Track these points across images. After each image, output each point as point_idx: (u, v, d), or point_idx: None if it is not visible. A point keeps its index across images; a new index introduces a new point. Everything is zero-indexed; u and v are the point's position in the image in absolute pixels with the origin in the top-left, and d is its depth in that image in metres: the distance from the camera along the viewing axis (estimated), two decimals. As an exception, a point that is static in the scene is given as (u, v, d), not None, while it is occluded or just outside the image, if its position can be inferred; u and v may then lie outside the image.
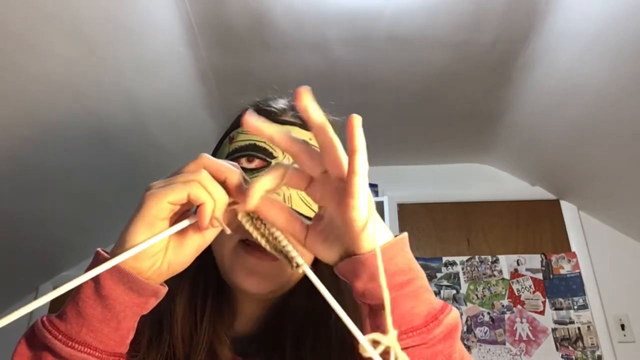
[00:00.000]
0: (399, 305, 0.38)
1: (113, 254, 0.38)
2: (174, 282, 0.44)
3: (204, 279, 0.57)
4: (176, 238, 0.41)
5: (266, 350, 0.56)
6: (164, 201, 0.38)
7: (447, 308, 0.40)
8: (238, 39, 1.56)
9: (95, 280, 0.38)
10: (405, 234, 0.41)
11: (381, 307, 0.38)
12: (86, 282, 0.39)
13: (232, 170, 0.40)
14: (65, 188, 1.80)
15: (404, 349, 0.38)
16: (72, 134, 1.59)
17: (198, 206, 0.38)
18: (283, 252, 0.39)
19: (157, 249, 0.39)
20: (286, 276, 0.55)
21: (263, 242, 0.40)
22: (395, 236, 0.41)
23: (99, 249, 0.40)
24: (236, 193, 0.40)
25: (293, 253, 0.38)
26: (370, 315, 0.41)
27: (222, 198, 0.39)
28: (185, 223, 0.39)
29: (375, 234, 0.37)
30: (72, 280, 0.34)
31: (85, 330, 0.38)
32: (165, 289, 0.42)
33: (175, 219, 0.40)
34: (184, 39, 1.52)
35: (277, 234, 0.40)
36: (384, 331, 0.38)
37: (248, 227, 0.40)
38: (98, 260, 0.39)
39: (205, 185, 0.38)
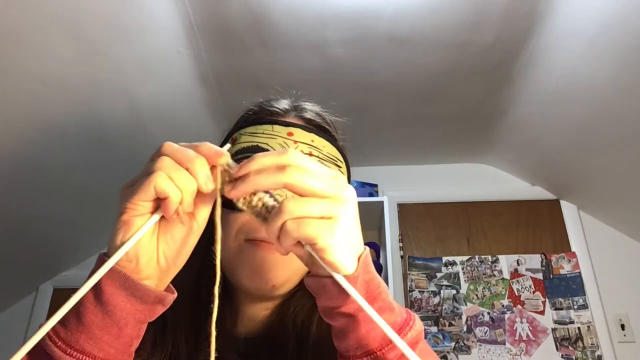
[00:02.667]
0: (355, 329, 0.39)
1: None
2: (177, 284, 0.44)
3: (207, 280, 0.57)
4: (164, 229, 0.39)
5: (269, 351, 0.56)
6: (134, 201, 0.37)
7: (407, 327, 0.40)
8: (238, 39, 1.56)
9: (96, 286, 0.37)
10: (368, 252, 0.40)
11: (337, 329, 0.40)
12: None
13: (194, 161, 0.37)
14: (66, 188, 1.80)
15: None
16: (72, 133, 1.59)
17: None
18: (263, 214, 0.38)
19: (145, 241, 0.38)
20: (290, 271, 0.54)
21: (246, 208, 0.39)
22: (359, 258, 0.39)
23: (102, 254, 0.39)
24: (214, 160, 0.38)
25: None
26: (333, 335, 0.42)
27: (188, 186, 0.37)
28: (155, 218, 0.38)
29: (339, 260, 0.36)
30: (73, 297, 0.33)
31: (84, 337, 0.37)
32: (172, 296, 0.41)
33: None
34: (184, 39, 1.52)
35: (266, 198, 0.39)
36: (341, 354, 0.41)
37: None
38: (101, 264, 0.38)
39: (170, 174, 0.36)
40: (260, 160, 0.37)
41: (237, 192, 0.37)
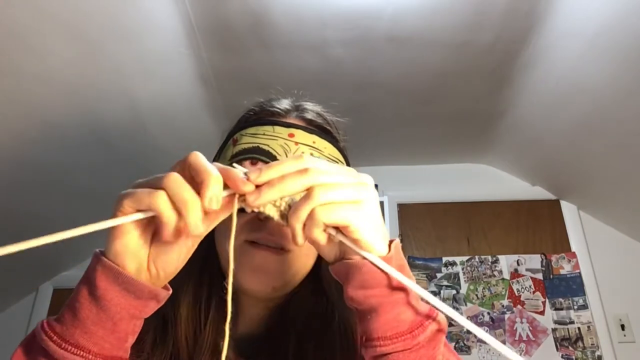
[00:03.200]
0: (386, 311, 0.39)
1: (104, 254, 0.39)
2: (178, 283, 0.44)
3: (208, 281, 0.57)
4: (158, 238, 0.39)
5: (270, 351, 0.56)
6: (125, 204, 0.37)
7: (434, 313, 0.41)
8: (238, 40, 1.56)
9: (90, 281, 0.38)
10: (398, 242, 0.42)
11: (367, 312, 0.40)
12: (82, 284, 0.39)
13: (210, 175, 0.36)
14: (66, 188, 1.80)
15: (388, 354, 0.39)
16: (72, 134, 1.59)
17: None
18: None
19: (135, 246, 0.38)
20: (291, 273, 0.55)
21: (274, 211, 0.39)
22: (391, 242, 0.41)
23: (96, 250, 0.40)
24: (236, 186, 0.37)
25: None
26: (359, 319, 0.42)
27: (191, 207, 0.35)
28: (139, 215, 0.37)
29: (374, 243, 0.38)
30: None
31: (79, 332, 0.38)
32: (166, 293, 0.41)
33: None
34: (184, 40, 1.52)
35: (287, 198, 0.39)
36: (369, 337, 0.40)
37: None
38: (95, 261, 0.39)
39: (174, 195, 0.35)
40: (279, 168, 0.37)
41: (264, 199, 0.37)
